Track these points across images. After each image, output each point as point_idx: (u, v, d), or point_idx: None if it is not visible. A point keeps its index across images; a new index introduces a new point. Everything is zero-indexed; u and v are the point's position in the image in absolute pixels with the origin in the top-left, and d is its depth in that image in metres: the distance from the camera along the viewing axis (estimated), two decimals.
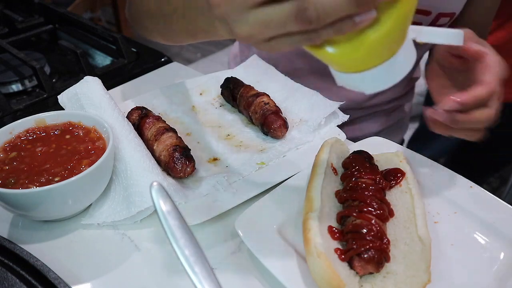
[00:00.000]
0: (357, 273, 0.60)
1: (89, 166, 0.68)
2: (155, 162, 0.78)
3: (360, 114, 1.20)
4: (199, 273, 0.47)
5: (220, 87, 1.03)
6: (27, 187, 0.67)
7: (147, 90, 1.05)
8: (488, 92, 0.65)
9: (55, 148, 0.75)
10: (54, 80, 1.17)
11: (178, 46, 4.43)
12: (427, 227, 0.65)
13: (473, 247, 0.68)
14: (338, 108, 0.93)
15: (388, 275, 0.61)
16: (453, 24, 1.05)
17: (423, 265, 0.60)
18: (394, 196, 0.72)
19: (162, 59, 1.23)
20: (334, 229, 0.65)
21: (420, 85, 1.52)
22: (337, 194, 0.71)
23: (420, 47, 1.10)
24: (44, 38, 1.40)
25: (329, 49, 0.50)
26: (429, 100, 1.99)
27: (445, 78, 0.77)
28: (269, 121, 0.88)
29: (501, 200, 0.73)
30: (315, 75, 1.12)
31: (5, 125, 0.76)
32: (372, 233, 0.61)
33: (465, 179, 0.78)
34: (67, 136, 0.77)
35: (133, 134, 0.80)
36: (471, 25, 1.04)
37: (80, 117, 0.79)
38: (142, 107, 0.91)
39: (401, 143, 1.46)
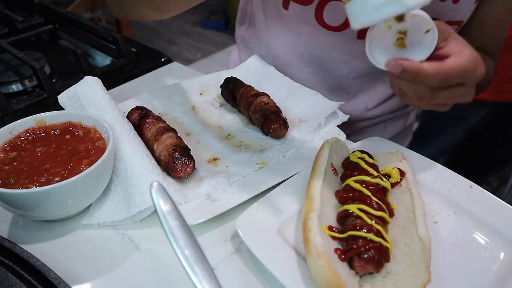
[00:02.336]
0: (357, 273, 0.60)
1: (89, 166, 0.68)
2: (155, 162, 0.78)
3: (366, 124, 1.20)
4: (199, 273, 0.47)
5: (220, 87, 1.03)
6: (27, 187, 0.67)
7: (147, 90, 1.05)
8: (435, 72, 0.65)
9: (55, 148, 0.75)
10: (54, 80, 1.17)
11: (178, 46, 4.43)
12: (427, 227, 0.65)
13: (473, 247, 0.68)
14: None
15: (388, 275, 0.61)
16: (461, 34, 1.05)
17: (423, 265, 0.60)
18: (394, 196, 0.72)
19: (162, 59, 1.23)
20: (334, 229, 0.65)
21: None
22: (337, 194, 0.71)
23: None
24: (44, 38, 1.40)
25: None
26: None
27: None
28: (269, 121, 0.88)
29: (501, 200, 0.73)
30: (325, 91, 1.12)
31: (5, 125, 0.76)
32: (372, 233, 0.61)
33: (465, 179, 0.78)
34: (67, 136, 0.77)
35: (133, 134, 0.80)
36: (481, 37, 1.04)
37: (80, 117, 0.79)
38: (142, 107, 0.91)
39: None
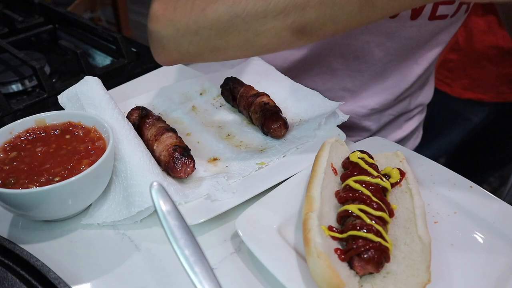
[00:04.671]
0: (357, 273, 0.60)
1: (89, 166, 0.68)
2: (155, 162, 0.78)
3: (386, 119, 1.20)
4: (199, 273, 0.47)
5: (220, 87, 1.03)
6: (27, 187, 0.67)
7: (147, 90, 1.05)
8: None
9: (55, 148, 0.75)
10: (54, 80, 1.17)
11: None
12: (427, 227, 0.65)
13: (473, 247, 0.68)
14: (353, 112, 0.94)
15: (388, 275, 0.60)
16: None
17: (423, 265, 0.60)
18: (394, 196, 0.72)
19: None
20: (334, 229, 0.65)
21: None
22: (337, 194, 0.71)
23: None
24: (44, 38, 1.40)
25: None
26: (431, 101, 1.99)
27: None
28: (269, 121, 0.88)
29: (501, 200, 0.73)
30: (350, 77, 1.12)
31: (5, 125, 0.76)
32: (372, 233, 0.61)
33: (465, 179, 0.78)
34: (67, 136, 0.77)
35: (133, 134, 0.80)
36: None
37: (80, 117, 0.79)
38: (142, 107, 0.91)
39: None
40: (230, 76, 1.04)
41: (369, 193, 0.66)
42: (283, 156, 0.85)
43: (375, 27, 1.02)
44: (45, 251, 0.69)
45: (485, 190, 0.75)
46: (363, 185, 0.68)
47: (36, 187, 0.67)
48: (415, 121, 1.31)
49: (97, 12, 3.30)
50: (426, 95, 1.30)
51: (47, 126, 0.79)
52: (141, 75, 1.17)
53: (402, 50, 1.06)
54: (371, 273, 0.61)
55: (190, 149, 0.82)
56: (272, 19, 0.66)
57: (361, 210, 0.64)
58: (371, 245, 0.59)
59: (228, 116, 1.00)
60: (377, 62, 1.08)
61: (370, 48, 1.06)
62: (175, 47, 0.75)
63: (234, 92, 0.99)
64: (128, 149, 0.76)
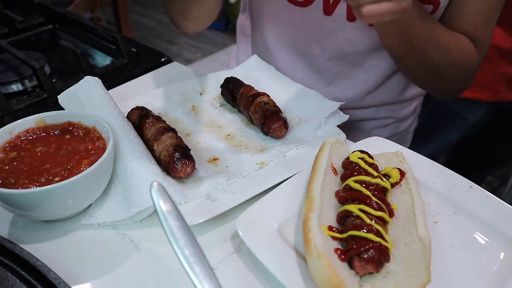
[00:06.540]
0: (357, 273, 0.60)
1: (89, 166, 0.68)
2: (155, 162, 0.78)
3: (350, 119, 1.19)
4: (199, 273, 0.47)
5: (220, 87, 1.03)
6: (27, 187, 0.67)
7: (147, 90, 1.05)
8: None
9: (55, 148, 0.75)
10: (54, 80, 1.17)
11: (178, 46, 4.44)
12: (427, 227, 0.65)
13: (473, 247, 0.68)
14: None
15: (388, 275, 0.61)
16: (444, 18, 1.00)
17: (423, 265, 0.60)
18: (394, 196, 0.72)
19: (162, 59, 1.23)
20: (334, 229, 0.65)
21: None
22: (337, 194, 0.71)
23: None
24: (44, 38, 1.40)
25: None
26: (428, 100, 1.99)
27: None
28: (269, 121, 0.88)
29: (501, 200, 0.73)
30: (304, 74, 1.13)
31: (5, 125, 0.76)
32: (372, 233, 0.61)
33: (465, 179, 0.78)
34: (67, 136, 0.77)
35: (133, 134, 0.80)
36: (464, 21, 0.98)
37: (80, 117, 0.79)
38: (142, 107, 0.91)
39: None
40: (230, 76, 1.04)
41: (369, 193, 0.66)
42: (283, 156, 0.85)
43: (311, 23, 1.03)
44: (45, 251, 0.69)
45: (485, 190, 0.75)
46: (363, 185, 0.68)
47: (36, 187, 0.67)
48: (387, 131, 1.26)
49: (97, 12, 3.30)
50: (403, 110, 1.25)
51: (47, 126, 0.79)
52: (141, 75, 1.17)
53: (342, 52, 1.05)
54: (371, 273, 0.61)
55: (190, 149, 0.82)
56: None
57: (361, 210, 0.64)
58: (371, 245, 0.59)
59: (228, 116, 1.00)
60: (317, 58, 1.09)
61: (308, 43, 1.07)
62: None
63: (234, 92, 0.99)
64: (128, 149, 0.76)
